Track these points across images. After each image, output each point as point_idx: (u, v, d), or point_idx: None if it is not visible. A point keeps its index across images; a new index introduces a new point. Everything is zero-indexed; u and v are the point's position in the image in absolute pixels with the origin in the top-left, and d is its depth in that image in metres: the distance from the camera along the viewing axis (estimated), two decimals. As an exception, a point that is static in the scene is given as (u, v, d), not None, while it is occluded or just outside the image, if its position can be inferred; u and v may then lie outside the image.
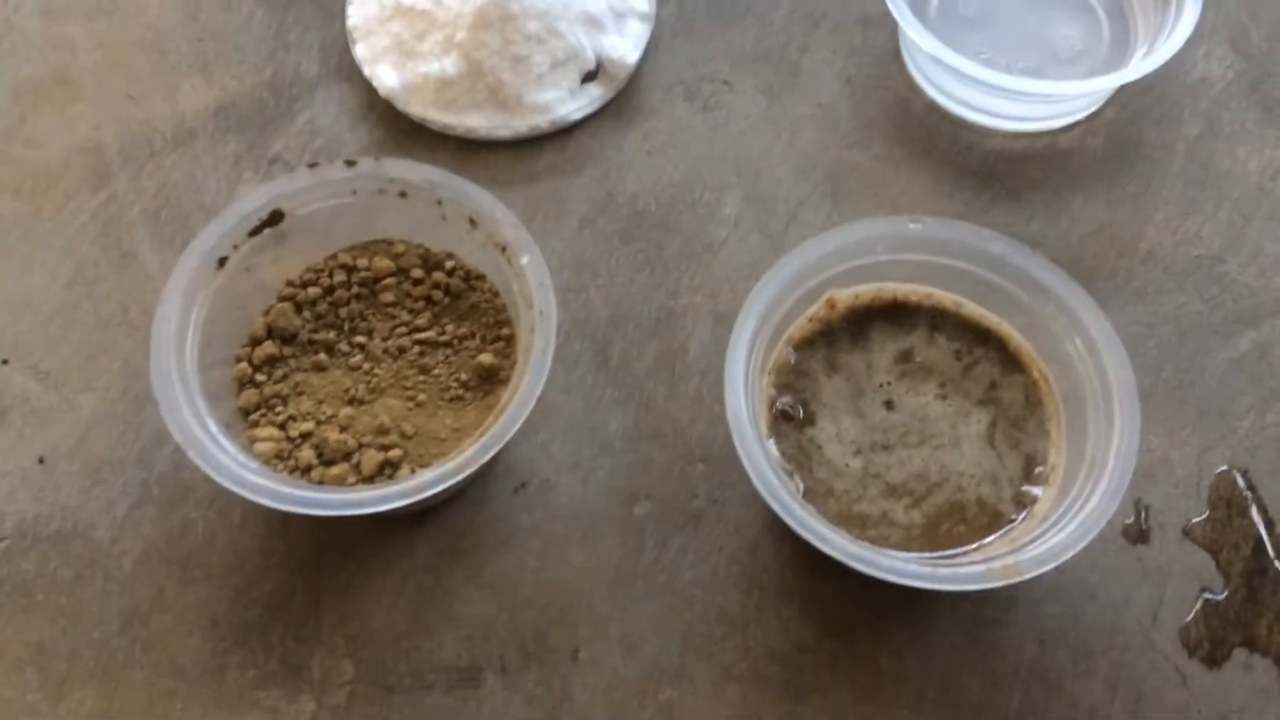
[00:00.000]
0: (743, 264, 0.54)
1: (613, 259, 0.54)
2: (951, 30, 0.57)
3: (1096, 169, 0.56)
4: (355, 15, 0.58)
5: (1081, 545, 0.40)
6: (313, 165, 0.47)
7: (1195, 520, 0.48)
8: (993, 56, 0.57)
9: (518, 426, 0.42)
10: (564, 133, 0.57)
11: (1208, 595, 0.47)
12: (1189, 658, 0.46)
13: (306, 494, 0.41)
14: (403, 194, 0.47)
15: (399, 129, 0.57)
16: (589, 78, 0.57)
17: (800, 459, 0.45)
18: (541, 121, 0.56)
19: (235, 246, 0.46)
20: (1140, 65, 0.52)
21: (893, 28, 0.60)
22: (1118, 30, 0.58)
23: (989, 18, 0.58)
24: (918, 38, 0.53)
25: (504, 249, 0.46)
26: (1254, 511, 0.48)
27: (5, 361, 0.51)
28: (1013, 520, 0.44)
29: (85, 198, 0.55)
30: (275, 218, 0.46)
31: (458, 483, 0.41)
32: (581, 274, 0.53)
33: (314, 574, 0.47)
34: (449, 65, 0.55)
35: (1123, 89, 0.57)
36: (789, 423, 0.46)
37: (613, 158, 0.56)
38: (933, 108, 0.58)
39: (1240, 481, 0.49)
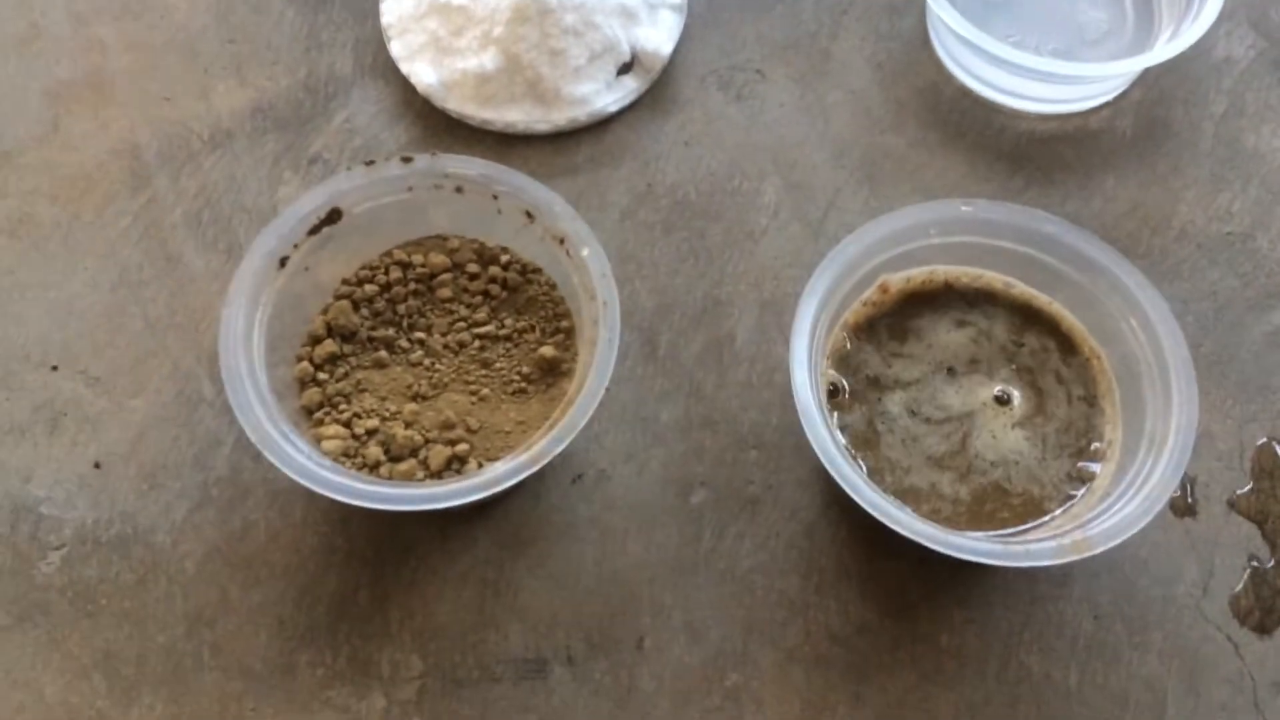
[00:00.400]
0: (784, 251, 0.54)
1: (655, 249, 0.54)
2: (977, 13, 0.58)
3: (1126, 149, 0.57)
4: (389, 13, 0.58)
5: (1147, 519, 0.41)
6: (369, 162, 0.47)
7: (1240, 492, 0.49)
8: (1021, 39, 0.58)
9: (588, 417, 0.42)
10: (601, 125, 0.57)
11: (1255, 564, 0.48)
12: (1240, 626, 0.47)
13: (384, 490, 0.41)
14: (459, 189, 0.47)
15: (437, 125, 0.57)
16: (625, 70, 0.57)
17: (860, 440, 0.46)
18: (580, 114, 0.56)
19: (295, 246, 0.46)
20: (1167, 48, 0.53)
21: (919, 12, 0.60)
22: (1142, 11, 0.59)
23: (1014, 1, 0.59)
24: (949, 20, 0.53)
25: (562, 241, 0.46)
26: (1299, 482, 0.49)
27: (55, 368, 0.51)
28: (1072, 496, 0.44)
29: (125, 201, 0.55)
30: (333, 216, 0.47)
31: (530, 475, 0.42)
32: (626, 265, 0.54)
33: (377, 570, 0.47)
34: (487, 60, 0.55)
35: (1148, 70, 0.58)
36: (848, 403, 0.46)
37: (650, 149, 0.57)
38: (963, 91, 0.58)
39: (1282, 452, 0.50)
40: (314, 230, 0.46)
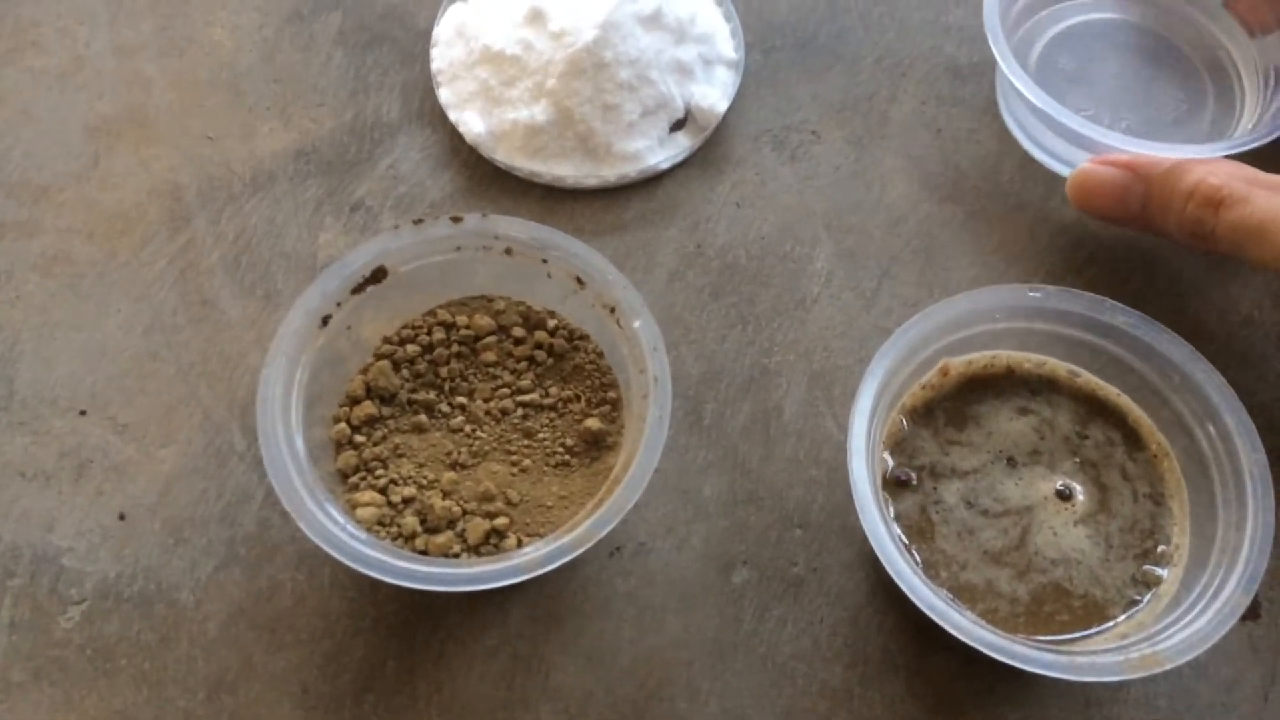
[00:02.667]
0: (836, 322, 0.53)
1: (704, 314, 0.53)
2: (1050, 84, 0.56)
3: (1193, 229, 0.55)
4: (440, 59, 0.57)
5: (1220, 635, 0.39)
6: (417, 221, 0.46)
7: (1308, 596, 0.47)
8: (1096, 113, 0.56)
9: (635, 500, 0.40)
10: (652, 181, 0.56)
11: (1319, 674, 0.46)
12: (1302, 739, 0.45)
13: (422, 569, 0.39)
14: (508, 251, 0.46)
15: (483, 175, 0.55)
16: (678, 126, 0.56)
17: (915, 530, 0.44)
18: (630, 170, 0.54)
19: (338, 304, 0.44)
20: (1248, 135, 0.51)
21: (983, 78, 0.59)
22: (1223, 93, 0.57)
23: (1087, 73, 0.57)
24: (1025, 90, 0.51)
25: (613, 310, 0.44)
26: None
27: (83, 413, 0.50)
28: (1136, 601, 0.42)
29: (163, 242, 0.54)
30: (378, 275, 0.45)
31: (573, 558, 0.40)
32: (672, 329, 0.52)
33: (406, 640, 0.46)
34: (539, 112, 0.54)
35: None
36: (903, 491, 0.44)
37: (701, 209, 0.55)
38: (1027, 161, 0.57)
39: (1352, 557, 0.48)
40: (358, 289, 0.45)
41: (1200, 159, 0.47)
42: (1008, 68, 0.52)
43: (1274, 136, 0.51)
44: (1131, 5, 0.59)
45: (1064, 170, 0.56)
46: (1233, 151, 0.51)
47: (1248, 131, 0.53)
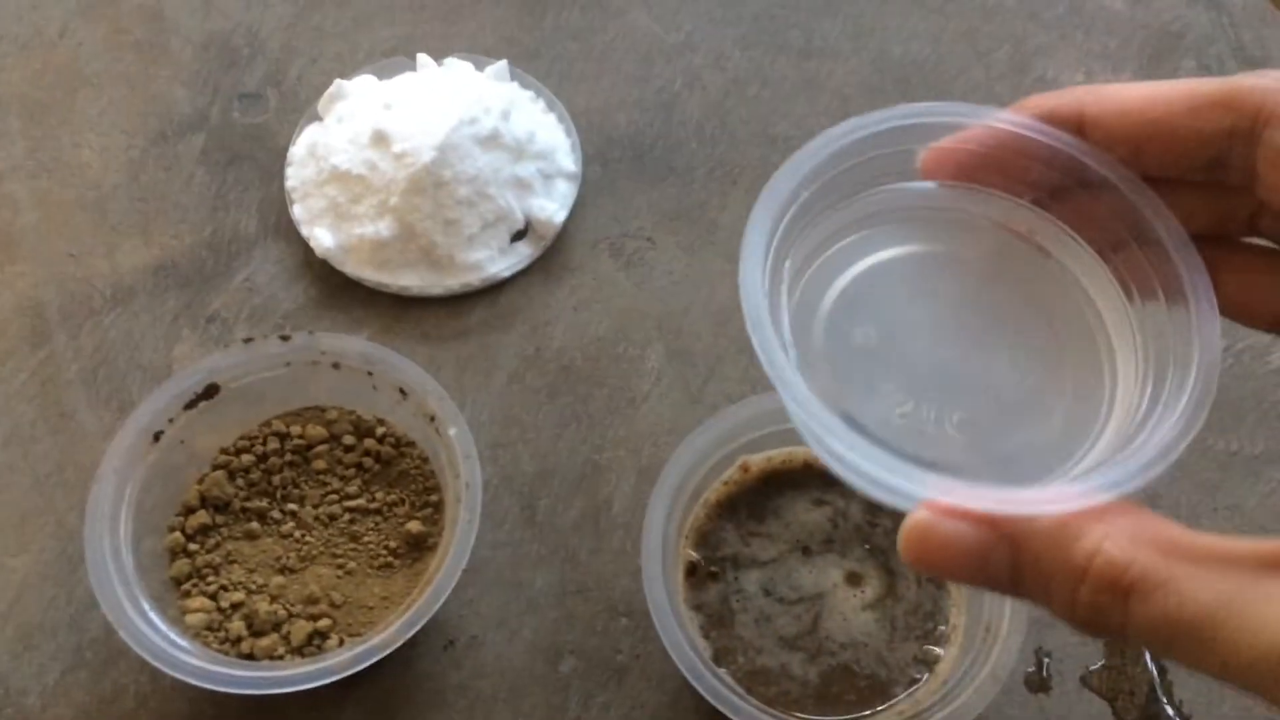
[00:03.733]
0: (665, 418, 0.56)
1: (540, 414, 0.56)
2: (846, 370, 0.34)
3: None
4: (294, 177, 0.60)
5: (982, 707, 0.42)
6: (247, 340, 0.49)
7: (1092, 668, 0.51)
8: (914, 407, 0.34)
9: (443, 600, 0.43)
10: (495, 289, 0.59)
11: (1107, 741, 0.49)
12: (1090, 804, 0.48)
13: (235, 673, 0.42)
14: (335, 365, 0.49)
15: (335, 286, 0.59)
16: (518, 236, 0.60)
17: (715, 618, 0.47)
18: (473, 279, 0.58)
19: (170, 420, 0.47)
20: (1135, 465, 0.30)
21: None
22: (1085, 371, 0.36)
23: (894, 343, 0.36)
24: (813, 423, 0.30)
25: (432, 419, 0.48)
26: (1147, 658, 0.51)
27: (-61, 525, 0.52)
28: (916, 680, 0.46)
29: (24, 357, 0.56)
30: (210, 391, 0.48)
31: (382, 656, 0.43)
32: (509, 429, 0.55)
33: (244, 738, 0.48)
34: (383, 228, 0.57)
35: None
36: (705, 582, 0.48)
37: (540, 313, 0.59)
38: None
39: (1134, 629, 0.52)
40: (190, 404, 0.48)
41: (1084, 509, 0.29)
42: (785, 387, 0.31)
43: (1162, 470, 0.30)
44: (942, 230, 0.37)
45: (891, 501, 0.32)
46: (1122, 494, 0.31)
47: (1132, 451, 0.31)
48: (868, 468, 0.30)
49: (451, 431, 0.47)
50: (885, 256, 0.37)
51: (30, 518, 0.52)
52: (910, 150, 0.35)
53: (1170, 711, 0.50)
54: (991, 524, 0.30)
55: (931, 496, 0.29)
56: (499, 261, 0.59)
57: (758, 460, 0.50)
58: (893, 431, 0.33)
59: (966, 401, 0.34)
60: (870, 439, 0.31)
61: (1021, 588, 0.30)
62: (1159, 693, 0.50)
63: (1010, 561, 0.30)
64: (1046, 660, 0.51)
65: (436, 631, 0.50)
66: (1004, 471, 0.33)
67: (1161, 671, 0.51)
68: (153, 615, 0.43)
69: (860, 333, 0.36)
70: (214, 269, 0.59)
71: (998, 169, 0.35)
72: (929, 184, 0.35)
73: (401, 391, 0.49)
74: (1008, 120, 0.34)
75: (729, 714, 0.42)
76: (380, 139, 0.58)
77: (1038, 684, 0.50)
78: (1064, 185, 0.34)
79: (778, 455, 0.50)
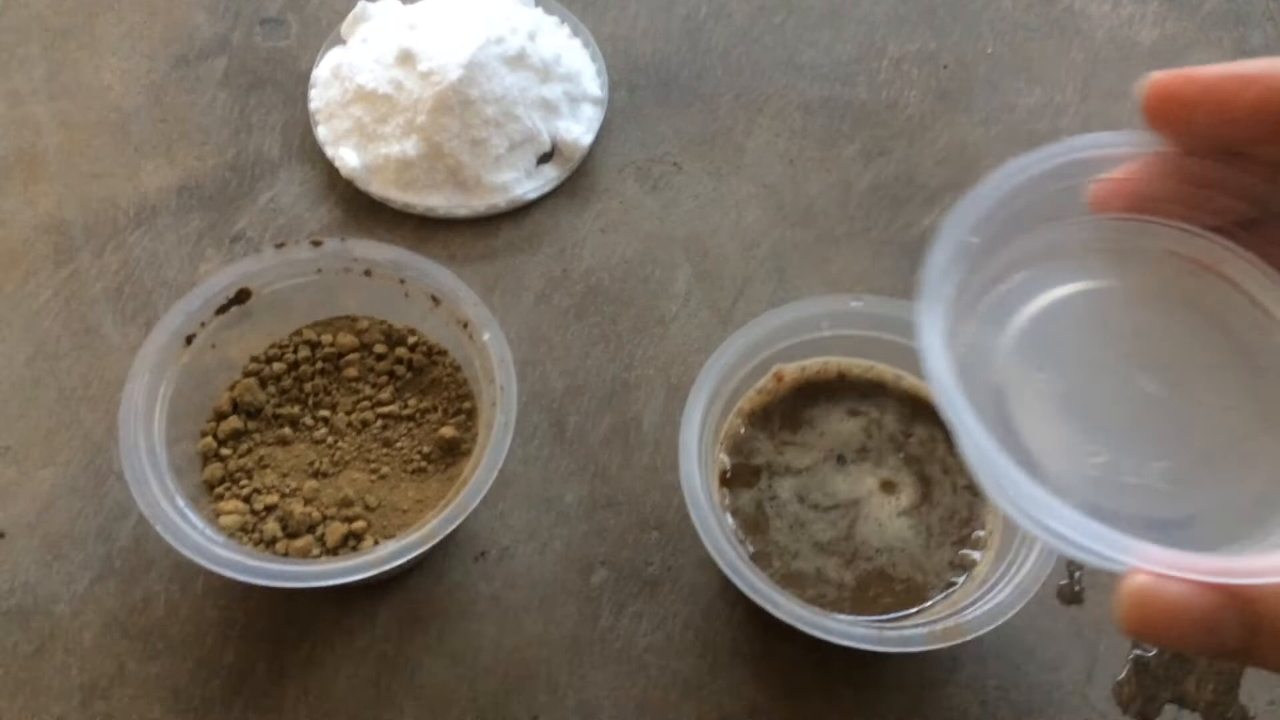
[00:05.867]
0: (693, 338, 0.56)
1: (568, 333, 0.56)
2: (1032, 424, 0.32)
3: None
4: (317, 99, 0.60)
5: (1019, 606, 0.42)
6: (279, 245, 0.49)
7: (1125, 581, 0.50)
8: (1112, 459, 0.32)
9: (480, 499, 0.43)
10: (521, 211, 0.59)
11: (1138, 653, 0.49)
12: (1123, 715, 0.48)
13: (272, 566, 0.41)
14: (367, 273, 0.49)
15: (360, 208, 0.59)
16: (545, 159, 0.59)
17: (750, 524, 0.47)
18: (499, 201, 0.58)
19: (202, 324, 0.47)
20: None
21: (831, 112, 0.63)
22: None
23: (1082, 390, 0.33)
24: (1020, 496, 0.29)
25: (466, 325, 0.47)
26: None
27: (-35, 437, 0.52)
28: (953, 583, 0.46)
29: (48, 275, 0.56)
30: (241, 296, 0.48)
31: (421, 554, 0.42)
32: (538, 347, 0.55)
33: (276, 646, 0.48)
34: (409, 147, 0.57)
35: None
36: (739, 488, 0.48)
37: (567, 235, 0.59)
38: (873, 189, 0.60)
39: (1166, 543, 0.51)
40: (222, 309, 0.47)
41: None
42: (977, 448, 0.30)
43: None
44: (1118, 265, 0.34)
45: (1095, 563, 0.29)
46: None
47: None
48: (1079, 538, 0.28)
49: (485, 336, 0.46)
50: (1061, 294, 0.34)
51: (57, 431, 0.52)
52: (1074, 185, 0.33)
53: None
54: (1219, 586, 0.27)
55: (1152, 568, 0.27)
56: (525, 183, 0.58)
57: (791, 370, 0.49)
58: (1087, 483, 0.30)
59: (1165, 451, 0.31)
60: (1069, 497, 0.28)
61: (1256, 653, 0.28)
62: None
63: (1245, 625, 0.28)
64: (1078, 573, 0.50)
65: (468, 543, 0.50)
66: (1203, 523, 0.30)
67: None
68: (189, 514, 0.43)
69: (1044, 377, 0.33)
70: (238, 190, 0.59)
71: (1174, 199, 0.32)
72: (1098, 217, 0.33)
73: (434, 299, 0.48)
74: (1175, 149, 0.31)
75: (771, 610, 0.41)
76: (406, 58, 0.57)
77: (1070, 596, 0.50)
78: (1250, 215, 0.32)
79: (811, 365, 0.50)
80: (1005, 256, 0.34)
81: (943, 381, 0.30)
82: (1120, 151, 0.32)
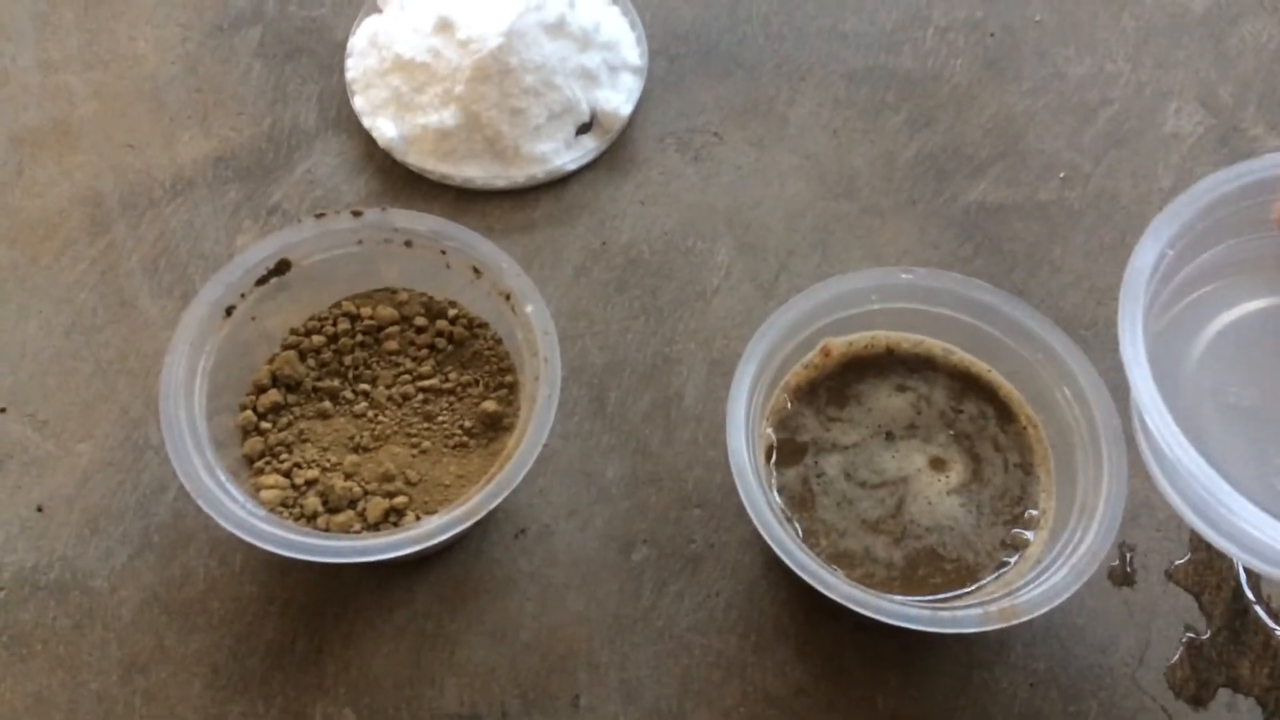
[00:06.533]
0: (735, 311, 0.55)
1: (608, 307, 0.55)
2: (1218, 433, 0.35)
3: (1075, 220, 0.58)
4: (354, 68, 0.59)
5: (1076, 587, 0.41)
6: (319, 215, 0.48)
7: (1178, 562, 0.49)
8: None
9: (524, 474, 0.42)
10: (559, 182, 0.58)
11: (1191, 636, 0.48)
12: (1175, 698, 0.47)
13: (315, 541, 0.41)
14: (408, 243, 0.48)
15: (397, 178, 0.58)
16: (584, 129, 0.58)
17: (797, 501, 0.46)
18: (538, 172, 0.57)
19: (242, 295, 0.46)
20: None
21: (876, 81, 0.61)
22: None
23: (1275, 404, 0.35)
24: (1214, 496, 0.31)
25: (508, 297, 0.47)
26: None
27: (3, 410, 0.51)
28: (1005, 563, 0.45)
29: (84, 246, 0.55)
30: (282, 267, 0.47)
31: (463, 530, 0.42)
32: (577, 322, 0.54)
33: (315, 621, 0.47)
34: (448, 117, 0.56)
35: (1097, 142, 0.59)
36: (785, 465, 0.47)
37: (607, 207, 0.58)
38: (919, 159, 0.59)
39: (1221, 524, 0.50)
40: (262, 280, 0.47)
41: None
42: (1177, 452, 0.31)
43: None
44: None
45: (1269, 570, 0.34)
46: None
47: None
48: None
49: (529, 308, 0.45)
50: (1250, 309, 0.36)
51: (94, 405, 0.52)
52: (1263, 202, 0.35)
53: (1260, 608, 0.48)
54: None
55: None
56: (564, 154, 0.57)
57: (839, 344, 0.48)
58: (1274, 496, 0.31)
59: None
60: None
61: None
62: (1245, 588, 0.49)
63: None
64: (1130, 554, 0.49)
65: (508, 520, 0.49)
66: None
67: (1247, 567, 0.49)
68: (230, 487, 0.42)
69: (1235, 392, 0.35)
70: (274, 161, 0.58)
71: None
72: None
73: (475, 270, 0.48)
74: None
75: (819, 587, 0.41)
76: (444, 25, 0.56)
77: (1122, 577, 0.49)
78: None
79: (859, 340, 0.49)
80: (1195, 269, 0.36)
81: (1151, 399, 0.32)
82: None
